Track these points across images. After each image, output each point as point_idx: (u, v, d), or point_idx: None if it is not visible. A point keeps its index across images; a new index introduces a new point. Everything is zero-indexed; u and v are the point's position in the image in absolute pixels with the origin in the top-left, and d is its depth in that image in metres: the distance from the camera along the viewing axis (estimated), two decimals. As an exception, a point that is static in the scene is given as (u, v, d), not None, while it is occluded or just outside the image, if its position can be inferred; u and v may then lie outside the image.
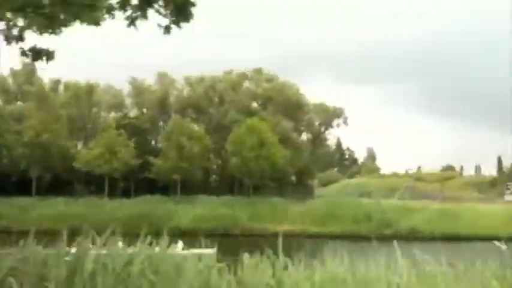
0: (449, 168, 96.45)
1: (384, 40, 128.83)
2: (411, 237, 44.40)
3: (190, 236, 34.73)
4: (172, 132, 49.36)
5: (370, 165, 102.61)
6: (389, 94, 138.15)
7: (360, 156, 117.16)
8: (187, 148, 48.00)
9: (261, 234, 39.73)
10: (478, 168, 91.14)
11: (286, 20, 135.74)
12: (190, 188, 52.10)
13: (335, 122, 68.99)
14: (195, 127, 54.22)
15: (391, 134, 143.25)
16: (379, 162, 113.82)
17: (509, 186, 55.39)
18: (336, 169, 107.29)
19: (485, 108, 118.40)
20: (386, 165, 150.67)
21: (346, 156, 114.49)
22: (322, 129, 70.28)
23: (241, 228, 45.07)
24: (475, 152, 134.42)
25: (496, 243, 5.57)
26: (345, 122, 68.65)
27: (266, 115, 59.33)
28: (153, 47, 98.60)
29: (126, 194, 51.47)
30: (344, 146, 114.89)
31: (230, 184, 56.56)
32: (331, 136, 76.86)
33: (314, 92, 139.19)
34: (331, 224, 46.17)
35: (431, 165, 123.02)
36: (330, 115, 68.22)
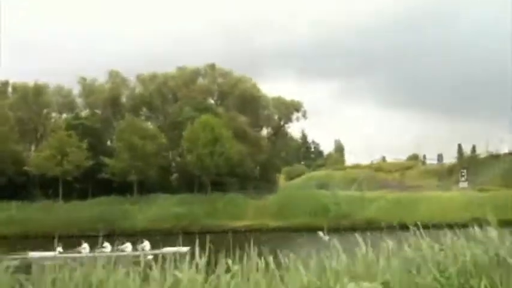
0: (414, 157, 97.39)
1: (339, 31, 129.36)
2: (368, 227, 44.76)
3: (147, 236, 34.20)
4: (124, 132, 48.32)
5: (334, 157, 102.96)
6: (352, 88, 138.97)
7: (329, 148, 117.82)
8: (139, 147, 47.06)
9: (220, 231, 39.36)
10: (440, 157, 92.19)
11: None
12: (149, 187, 51.23)
13: (294, 116, 69.01)
14: (149, 125, 53.21)
15: (358, 127, 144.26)
16: (347, 155, 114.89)
17: (463, 173, 56.00)
18: (303, 163, 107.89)
19: (448, 97, 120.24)
20: (355, 157, 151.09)
21: (312, 149, 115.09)
22: (282, 123, 70.14)
23: (199, 225, 44.45)
24: (439, 140, 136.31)
25: (320, 233, 5.33)
26: (304, 116, 68.67)
27: (222, 110, 58.83)
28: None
29: (83, 195, 50.16)
30: (310, 139, 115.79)
31: (191, 182, 55.81)
32: (296, 130, 76.78)
33: (276, 88, 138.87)
34: (290, 217, 46.05)
35: (397, 155, 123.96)
36: (289, 109, 68.15)
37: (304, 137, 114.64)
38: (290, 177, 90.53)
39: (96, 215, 44.24)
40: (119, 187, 49.29)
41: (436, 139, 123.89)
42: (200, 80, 62.45)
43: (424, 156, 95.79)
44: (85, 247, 30.33)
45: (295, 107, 68.49)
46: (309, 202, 48.38)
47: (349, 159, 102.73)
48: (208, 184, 50.55)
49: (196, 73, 61.75)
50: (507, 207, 46.82)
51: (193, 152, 48.07)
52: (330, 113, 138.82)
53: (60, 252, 29.75)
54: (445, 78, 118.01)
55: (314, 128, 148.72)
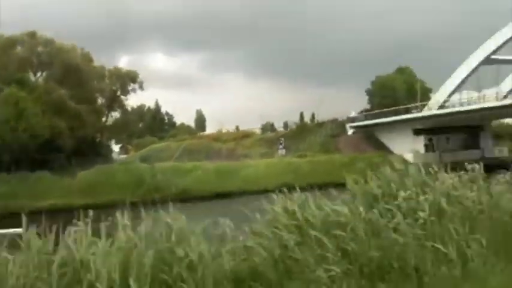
0: (267, 126, 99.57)
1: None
2: (180, 198, 44.40)
3: None
4: None
5: (185, 128, 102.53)
6: (218, 59, 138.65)
7: (190, 120, 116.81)
8: None
9: (16, 213, 36.56)
10: (285, 125, 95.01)
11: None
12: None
13: (130, 87, 67.02)
14: None
15: (219, 97, 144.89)
16: (209, 125, 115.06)
17: (281, 141, 57.99)
18: (157, 134, 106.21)
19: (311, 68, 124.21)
20: (216, 127, 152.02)
21: (166, 121, 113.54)
22: (118, 94, 67.67)
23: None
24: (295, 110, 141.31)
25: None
26: (141, 87, 66.96)
27: (40, 82, 54.93)
28: None
29: None
30: (163, 110, 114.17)
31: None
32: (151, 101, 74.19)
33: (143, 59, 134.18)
34: (99, 194, 44.14)
35: (252, 124, 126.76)
36: (124, 80, 66.02)
37: (157, 108, 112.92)
38: (139, 150, 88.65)
39: None
40: None
41: (291, 108, 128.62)
42: (18, 49, 57.54)
43: (273, 125, 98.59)
44: None
45: (131, 77, 66.54)
46: (124, 176, 46.96)
47: (211, 130, 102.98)
48: (11, 162, 46.81)
49: (12, 41, 56.68)
50: (316, 171, 49.43)
51: (-8, 129, 44.19)
52: (197, 83, 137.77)
53: None
54: (312, 51, 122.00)
55: (182, 97, 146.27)
